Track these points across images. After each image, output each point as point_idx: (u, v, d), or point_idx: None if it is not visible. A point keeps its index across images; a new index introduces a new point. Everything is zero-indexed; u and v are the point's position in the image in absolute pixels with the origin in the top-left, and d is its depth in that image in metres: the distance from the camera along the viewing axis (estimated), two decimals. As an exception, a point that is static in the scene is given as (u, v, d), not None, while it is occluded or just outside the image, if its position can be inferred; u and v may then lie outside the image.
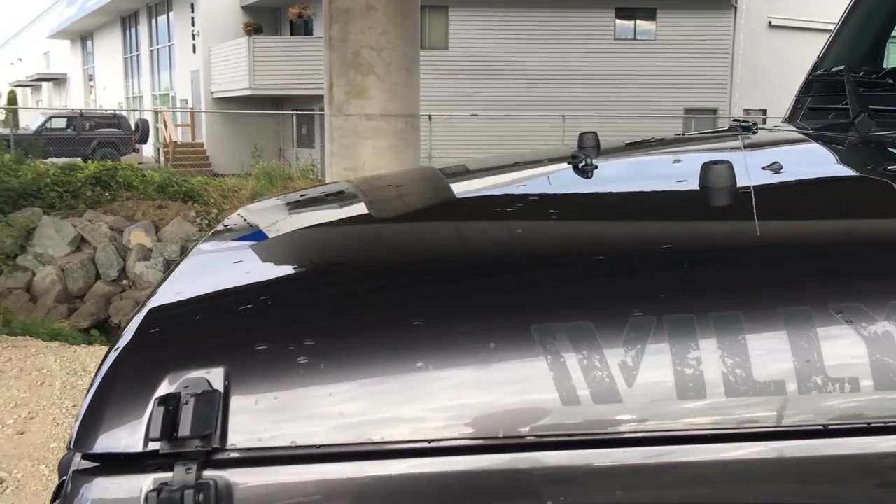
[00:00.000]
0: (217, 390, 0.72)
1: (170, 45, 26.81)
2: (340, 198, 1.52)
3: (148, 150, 24.70)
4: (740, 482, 0.72)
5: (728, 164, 1.08)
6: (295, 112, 21.23)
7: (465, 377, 0.74)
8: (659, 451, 0.72)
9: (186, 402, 0.70)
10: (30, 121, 24.28)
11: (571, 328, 0.75)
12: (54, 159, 16.04)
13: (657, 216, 1.13)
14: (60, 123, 22.94)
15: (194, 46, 24.43)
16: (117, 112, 24.68)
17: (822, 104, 1.84)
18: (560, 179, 1.44)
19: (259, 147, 17.93)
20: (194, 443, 0.70)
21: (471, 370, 0.74)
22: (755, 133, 1.68)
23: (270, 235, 1.23)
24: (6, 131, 17.53)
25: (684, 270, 0.86)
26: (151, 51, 28.62)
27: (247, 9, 23.58)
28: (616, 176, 1.46)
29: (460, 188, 1.57)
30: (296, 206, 1.49)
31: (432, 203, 1.45)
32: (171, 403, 0.70)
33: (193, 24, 24.32)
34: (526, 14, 20.82)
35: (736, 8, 21.30)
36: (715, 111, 20.90)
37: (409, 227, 1.23)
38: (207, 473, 0.69)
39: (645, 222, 1.11)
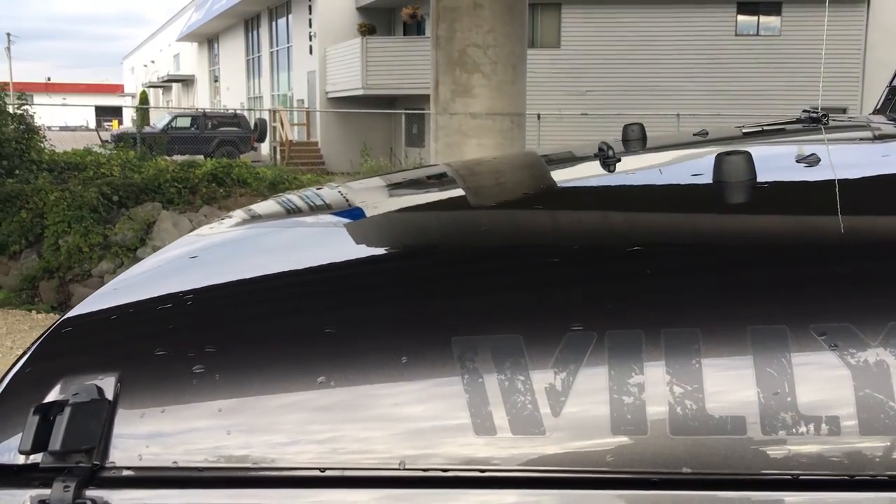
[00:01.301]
0: (106, 400, 0.65)
1: (288, 47, 27.64)
2: (284, 206, 1.44)
3: (265, 148, 25.55)
4: None
5: (735, 157, 0.93)
6: (405, 111, 21.46)
7: (369, 396, 0.64)
8: (584, 496, 0.60)
9: (65, 412, 0.63)
10: (158, 120, 25.55)
11: (496, 342, 0.64)
12: (178, 157, 16.82)
13: (621, 214, 1.02)
14: (185, 122, 24.06)
15: (311, 48, 25.08)
16: (237, 112, 25.64)
17: None
18: (531, 175, 1.32)
19: (369, 146, 18.23)
20: (76, 457, 0.63)
21: (377, 388, 0.64)
22: (825, 124, 1.49)
23: (222, 243, 1.17)
24: (133, 130, 18.50)
25: (639, 278, 0.73)
26: (271, 52, 29.59)
27: (362, 10, 24.01)
28: (616, 173, 1.31)
29: (389, 189, 1.47)
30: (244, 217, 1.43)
31: (356, 202, 1.35)
32: (54, 412, 0.63)
33: (310, 26, 24.98)
34: (641, 11, 20.31)
35: (869, 2, 20.08)
36: (844, 110, 19.79)
37: (322, 234, 1.15)
38: (90, 493, 0.62)
39: (605, 220, 1.00)
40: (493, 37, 8.68)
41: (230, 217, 1.32)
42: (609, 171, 1.28)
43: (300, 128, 26.12)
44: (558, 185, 1.34)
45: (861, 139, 1.47)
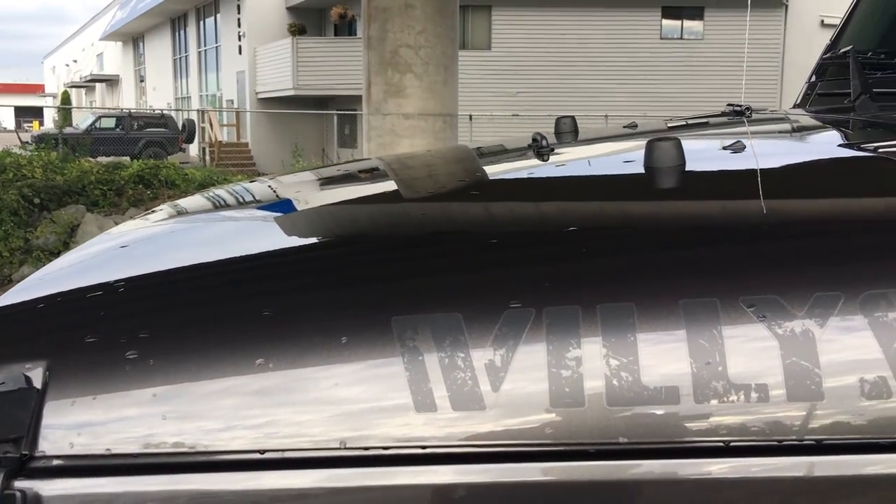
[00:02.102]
0: (34, 388, 0.63)
1: (217, 47, 27.17)
2: (213, 200, 1.44)
3: (194, 149, 25.05)
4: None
5: (664, 143, 0.96)
6: (337, 112, 21.32)
7: (309, 378, 0.63)
8: (523, 469, 0.61)
9: None
10: (81, 120, 24.80)
11: (436, 321, 0.64)
12: (103, 158, 16.35)
13: (556, 199, 1.04)
14: (109, 123, 23.42)
15: (240, 47, 24.70)
16: (164, 112, 25.09)
17: (831, 89, 1.73)
18: (465, 166, 1.34)
19: (301, 147, 18.02)
20: (3, 447, 0.61)
21: (316, 370, 0.63)
22: (749, 118, 1.55)
23: (151, 235, 1.15)
24: (55, 130, 17.92)
25: (576, 257, 0.74)
26: (199, 52, 29.04)
27: (292, 10, 23.77)
28: (549, 162, 1.35)
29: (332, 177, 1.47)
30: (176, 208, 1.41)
31: (287, 194, 1.36)
32: None
33: (240, 26, 24.60)
34: (570, 14, 20.62)
35: (787, 6, 20.81)
36: (764, 111, 20.42)
37: (255, 225, 1.14)
38: (19, 484, 0.60)
39: (540, 205, 1.01)
40: (424, 37, 8.70)
41: (156, 211, 1.29)
42: (543, 160, 1.30)
43: (230, 128, 25.69)
44: (493, 173, 1.36)
45: (781, 130, 1.53)
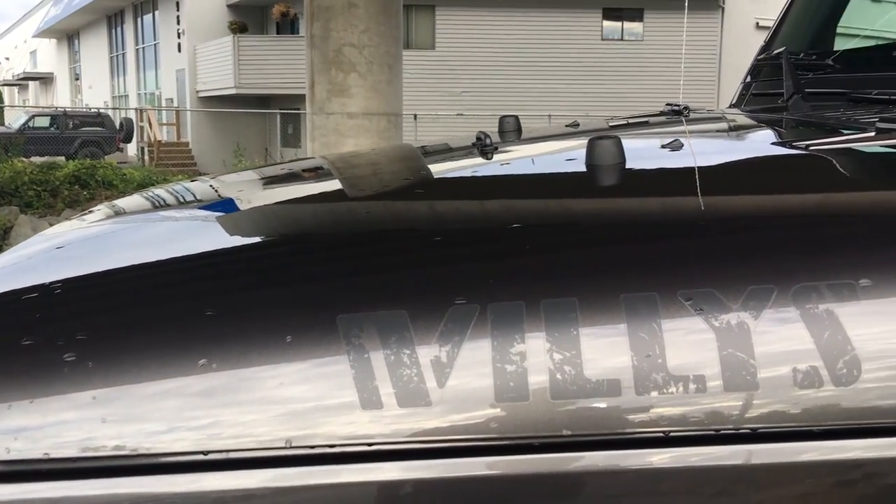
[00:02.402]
0: None
1: (155, 44, 26.64)
2: (152, 200, 1.42)
3: (132, 149, 24.52)
4: (562, 499, 0.62)
5: (605, 141, 0.98)
6: (280, 111, 21.10)
7: (253, 378, 0.63)
8: (470, 464, 0.62)
9: None
10: (14, 120, 24.06)
11: (382, 318, 0.64)
12: (37, 158, 15.90)
13: (500, 197, 1.04)
14: (44, 122, 22.79)
15: (179, 45, 24.25)
16: (101, 111, 24.51)
17: (765, 89, 1.77)
18: (409, 164, 1.35)
19: (243, 146, 17.80)
20: None
21: (261, 369, 0.63)
22: (687, 118, 1.59)
23: (88, 237, 1.12)
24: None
25: (520, 254, 0.75)
26: (137, 50, 28.43)
27: (232, 7, 23.43)
28: (493, 161, 1.36)
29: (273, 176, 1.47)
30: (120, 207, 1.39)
31: (229, 193, 1.34)
32: None
33: (179, 23, 24.16)
34: (513, 14, 20.76)
35: (723, 9, 21.29)
36: (701, 111, 20.84)
37: (196, 225, 1.12)
38: None
39: (484, 203, 1.02)
40: (368, 36, 8.66)
41: (93, 212, 1.26)
42: (487, 158, 1.30)
43: (170, 128, 25.21)
44: (438, 171, 1.36)
45: (718, 129, 1.56)
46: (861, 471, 0.64)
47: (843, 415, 0.63)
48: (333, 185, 1.34)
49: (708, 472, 0.62)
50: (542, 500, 0.62)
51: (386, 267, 0.76)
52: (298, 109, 19.75)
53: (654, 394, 0.62)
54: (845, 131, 1.27)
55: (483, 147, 1.31)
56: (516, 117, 1.52)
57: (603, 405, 0.62)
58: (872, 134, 1.06)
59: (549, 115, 17.95)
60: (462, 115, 18.58)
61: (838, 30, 1.86)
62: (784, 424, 0.63)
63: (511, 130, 1.54)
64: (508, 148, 1.44)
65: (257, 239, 0.99)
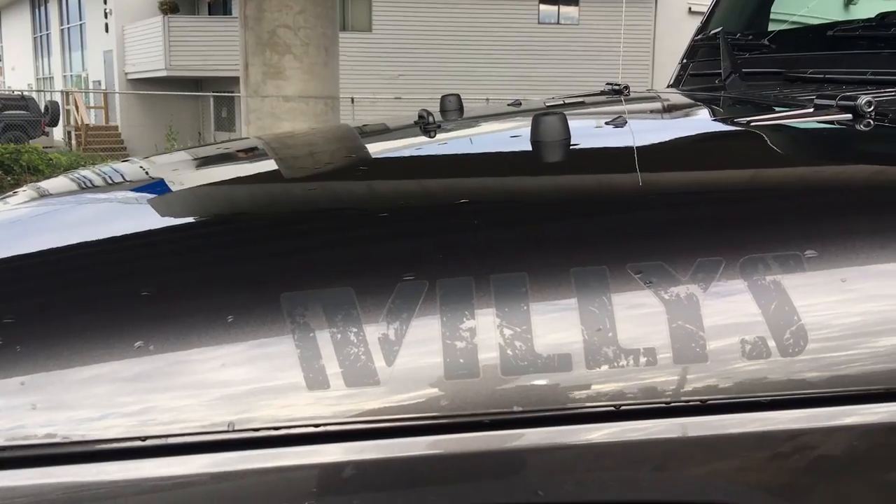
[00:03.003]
0: None
1: (81, 24, 25.78)
2: (80, 181, 1.37)
3: (59, 133, 23.75)
4: (518, 475, 0.62)
5: (550, 117, 0.98)
6: (213, 94, 20.66)
7: (193, 360, 0.61)
8: (419, 443, 0.61)
9: None
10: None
11: (328, 296, 0.62)
12: (-45, 143, 15.27)
13: (446, 173, 1.04)
14: (-37, 105, 21.85)
15: (107, 25, 23.49)
16: (25, 94, 23.63)
17: (702, 69, 1.80)
18: (349, 143, 1.33)
19: (175, 130, 17.38)
20: None
21: (202, 351, 0.61)
22: (627, 97, 1.61)
23: (12, 219, 1.07)
24: None
25: (468, 229, 0.74)
26: (62, 30, 27.47)
27: (163, -13, 22.79)
28: (437, 139, 1.35)
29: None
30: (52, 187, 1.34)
31: (162, 174, 1.31)
32: None
33: (106, 3, 23.40)
34: (450, -3, 20.71)
35: (657, -6, 21.61)
36: (640, 91, 21.16)
37: (129, 206, 1.08)
38: None
39: (430, 180, 1.02)
40: (303, 18, 8.53)
41: (17, 193, 1.20)
42: (430, 136, 1.29)
43: (97, 111, 24.47)
44: (380, 149, 1.34)
45: (657, 108, 1.58)
46: (807, 439, 0.64)
47: (792, 385, 0.64)
48: (272, 164, 1.30)
49: (659, 444, 0.62)
50: (494, 478, 0.62)
51: (332, 243, 0.74)
52: (232, 92, 19.39)
53: (605, 367, 0.62)
54: (784, 108, 1.29)
55: (426, 125, 1.29)
56: (458, 96, 1.51)
57: (554, 380, 0.61)
58: (811, 111, 1.07)
59: (487, 99, 18.00)
60: (400, 98, 18.49)
61: (771, 15, 1.89)
62: (732, 395, 0.63)
63: (453, 109, 1.52)
64: (451, 126, 1.43)
65: (192, 219, 0.96)
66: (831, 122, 1.06)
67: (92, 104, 24.66)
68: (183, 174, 1.24)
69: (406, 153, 1.27)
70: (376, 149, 1.36)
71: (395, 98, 18.54)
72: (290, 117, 8.69)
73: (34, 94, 24.29)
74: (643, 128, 1.23)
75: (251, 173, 1.22)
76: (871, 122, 0.99)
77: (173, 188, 1.11)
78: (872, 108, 0.99)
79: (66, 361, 0.60)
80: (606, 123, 1.15)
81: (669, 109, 1.53)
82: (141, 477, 0.58)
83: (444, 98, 1.54)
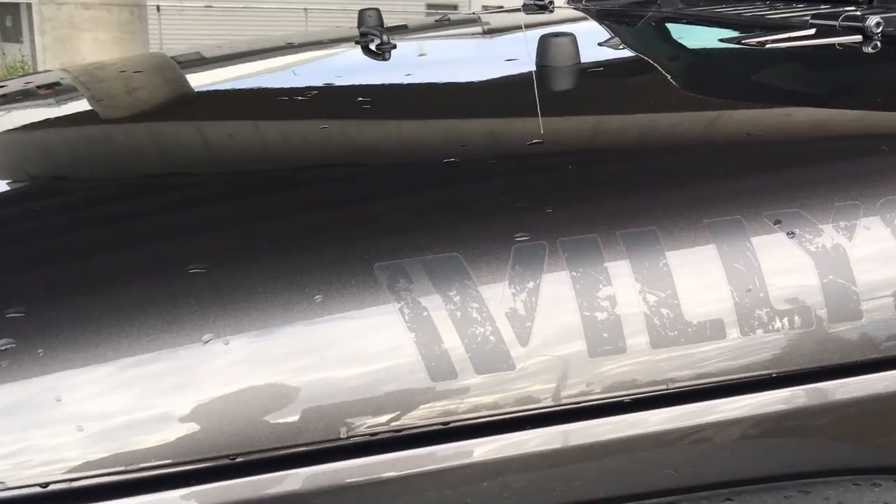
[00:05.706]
0: None
1: None
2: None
3: None
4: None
5: (558, 39, 0.92)
6: (-4, 0, 18.53)
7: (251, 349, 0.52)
8: (577, 428, 0.55)
9: None
10: None
11: (431, 263, 0.52)
12: None
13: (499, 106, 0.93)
14: None
15: None
16: None
17: None
18: (354, 65, 1.18)
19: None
20: None
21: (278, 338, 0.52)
22: (551, 12, 1.56)
23: None
24: None
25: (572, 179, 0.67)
26: None
27: None
28: (429, 61, 1.25)
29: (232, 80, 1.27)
30: None
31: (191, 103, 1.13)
32: None
33: None
34: None
35: None
36: (455, 7, 21.13)
37: (165, 132, 0.93)
38: None
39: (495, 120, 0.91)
40: (101, -88, 7.80)
41: None
42: (382, 58, 1.17)
43: None
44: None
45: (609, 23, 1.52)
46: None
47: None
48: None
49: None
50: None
51: (418, 192, 0.65)
52: (19, -2, 17.51)
53: (759, 332, 0.58)
54: (769, 30, 1.23)
55: (380, 45, 1.16)
56: (377, 10, 1.32)
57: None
58: (812, 32, 1.03)
59: (306, 9, 17.33)
60: (211, 7, 17.39)
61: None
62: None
63: (375, 25, 1.35)
64: (403, 45, 1.30)
65: None
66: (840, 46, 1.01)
67: None
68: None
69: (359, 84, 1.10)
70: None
71: (206, 7, 17.43)
72: (91, 27, 8.04)
73: None
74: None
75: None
76: (879, 45, 0.98)
77: None
78: (881, 28, 0.97)
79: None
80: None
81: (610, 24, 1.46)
82: None
83: (362, 13, 1.35)
